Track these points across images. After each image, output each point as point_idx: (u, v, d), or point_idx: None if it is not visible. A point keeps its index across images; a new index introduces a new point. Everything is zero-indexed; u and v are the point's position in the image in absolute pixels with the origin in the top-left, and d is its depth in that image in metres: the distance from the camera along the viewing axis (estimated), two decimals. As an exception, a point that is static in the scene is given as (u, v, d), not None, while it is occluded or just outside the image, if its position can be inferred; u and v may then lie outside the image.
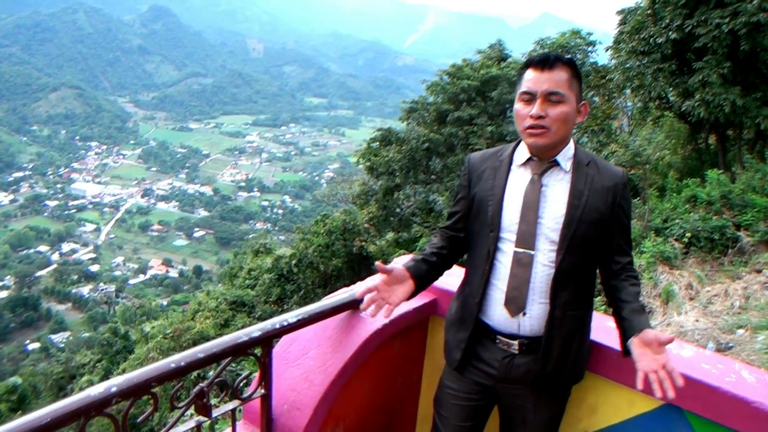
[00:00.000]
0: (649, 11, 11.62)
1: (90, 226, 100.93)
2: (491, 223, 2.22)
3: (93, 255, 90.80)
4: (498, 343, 2.26)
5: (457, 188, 2.42)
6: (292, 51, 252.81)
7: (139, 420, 1.93)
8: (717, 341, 6.21)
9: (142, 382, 1.73)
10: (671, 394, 1.94)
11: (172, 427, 1.88)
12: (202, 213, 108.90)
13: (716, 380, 2.09)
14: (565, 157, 2.20)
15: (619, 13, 13.08)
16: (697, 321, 6.97)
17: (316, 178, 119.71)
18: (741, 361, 2.34)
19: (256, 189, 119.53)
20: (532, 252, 2.17)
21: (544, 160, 2.21)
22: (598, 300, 8.93)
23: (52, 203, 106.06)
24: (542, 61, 2.14)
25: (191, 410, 1.99)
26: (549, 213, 2.17)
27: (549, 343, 2.19)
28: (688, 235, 8.71)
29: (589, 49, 18.26)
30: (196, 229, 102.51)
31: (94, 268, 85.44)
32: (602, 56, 16.92)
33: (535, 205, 2.17)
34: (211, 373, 1.99)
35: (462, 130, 19.51)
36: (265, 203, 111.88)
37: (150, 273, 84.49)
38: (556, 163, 2.20)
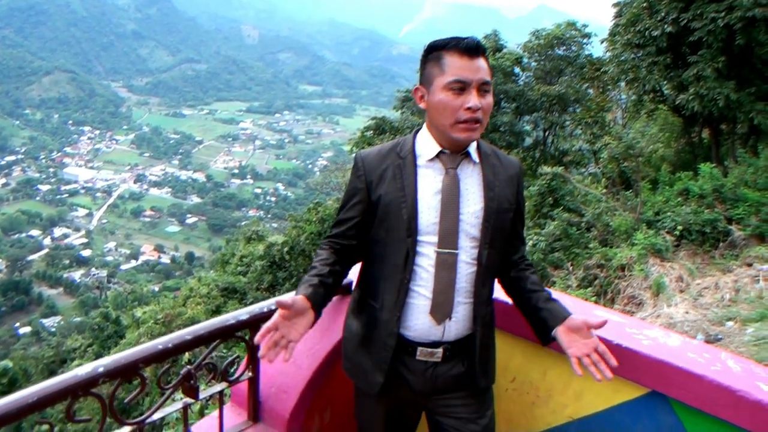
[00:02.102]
0: (644, 4, 11.64)
1: (82, 211, 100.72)
2: (408, 227, 2.01)
3: (85, 240, 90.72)
4: (417, 356, 2.07)
5: (348, 192, 2.16)
6: (287, 38, 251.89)
7: (126, 400, 1.93)
8: (706, 333, 6.23)
9: (129, 363, 1.74)
10: (609, 374, 1.94)
11: (159, 407, 1.89)
12: (195, 199, 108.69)
13: (702, 369, 2.10)
14: (473, 147, 2.08)
15: (615, 5, 13.11)
16: (687, 313, 7.00)
17: (310, 166, 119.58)
18: (728, 351, 2.35)
19: (249, 176, 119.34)
20: (456, 251, 2.01)
21: (457, 152, 2.05)
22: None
23: (44, 187, 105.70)
24: (472, 48, 1.94)
25: (180, 394, 1.99)
26: (467, 208, 2.03)
27: (474, 342, 2.09)
28: (680, 228, 8.77)
29: (585, 41, 18.35)
30: (189, 215, 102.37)
31: (86, 253, 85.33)
32: (597, 48, 16.95)
33: (456, 201, 2.01)
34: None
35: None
36: (258, 191, 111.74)
37: (142, 259, 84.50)
38: (467, 155, 2.06)
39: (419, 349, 2.06)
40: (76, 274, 76.51)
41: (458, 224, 2.01)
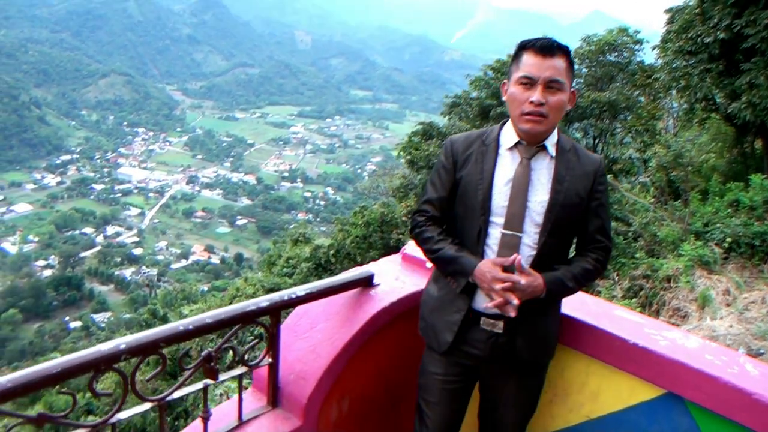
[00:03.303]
0: (697, 10, 11.40)
1: (135, 211, 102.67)
2: (482, 206, 2.23)
3: (137, 238, 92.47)
4: (483, 324, 2.27)
5: (437, 172, 2.39)
6: (339, 43, 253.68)
7: (147, 378, 2.02)
8: (748, 347, 6.12)
9: (150, 342, 1.82)
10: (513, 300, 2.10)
11: (180, 386, 1.97)
12: (245, 201, 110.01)
13: (718, 371, 2.10)
14: (551, 142, 2.24)
15: (667, 11, 12.86)
16: (730, 326, 6.87)
17: (359, 170, 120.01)
18: (747, 355, 2.33)
19: (299, 180, 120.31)
20: (520, 234, 2.20)
21: (532, 144, 2.23)
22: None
23: (98, 186, 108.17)
24: (545, 48, 2.13)
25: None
26: (535, 197, 2.21)
27: (527, 321, 2.22)
28: (729, 240, 8.56)
29: (636, 47, 18.00)
30: (239, 217, 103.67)
31: (138, 251, 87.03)
32: (649, 55, 16.67)
33: (525, 189, 2.20)
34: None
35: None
36: (308, 194, 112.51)
37: (192, 258, 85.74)
38: (544, 148, 2.24)
39: (482, 318, 2.27)
40: (127, 272, 78.13)
41: (525, 210, 2.20)
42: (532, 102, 2.12)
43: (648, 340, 2.24)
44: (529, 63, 2.14)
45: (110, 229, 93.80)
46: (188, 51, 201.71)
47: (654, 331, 2.32)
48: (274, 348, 2.23)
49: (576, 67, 19.93)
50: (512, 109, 2.20)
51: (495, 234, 2.23)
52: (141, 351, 1.81)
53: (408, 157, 20.38)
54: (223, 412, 2.27)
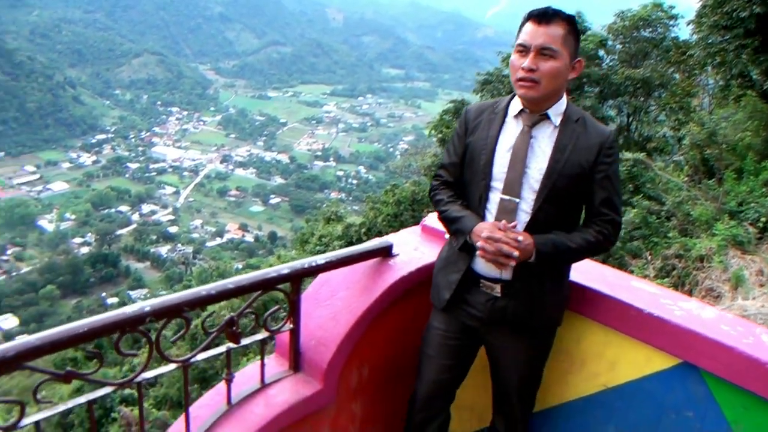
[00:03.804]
0: (733, -17, 11.15)
1: (170, 189, 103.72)
2: (483, 171, 2.31)
3: (172, 217, 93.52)
4: (482, 287, 2.36)
5: (452, 139, 2.51)
6: (371, 21, 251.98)
7: (172, 339, 2.10)
8: (779, 325, 6.05)
9: (173, 305, 1.90)
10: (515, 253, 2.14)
11: (203, 349, 2.05)
12: (279, 180, 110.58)
13: (733, 341, 2.11)
14: (556, 111, 2.28)
15: (703, -15, 12.58)
16: (762, 306, 6.81)
17: (391, 149, 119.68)
18: (764, 326, 2.34)
19: (331, 158, 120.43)
20: (517, 200, 2.26)
21: (535, 112, 2.28)
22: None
23: (133, 165, 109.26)
24: (540, 15, 2.19)
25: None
26: (535, 164, 2.26)
27: (523, 286, 2.30)
28: (764, 219, 8.45)
29: (671, 22, 17.66)
30: (272, 195, 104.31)
31: (173, 229, 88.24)
32: (684, 30, 16.32)
33: (523, 155, 2.26)
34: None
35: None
36: (340, 173, 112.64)
37: (227, 237, 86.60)
38: (547, 117, 2.28)
39: (482, 281, 2.37)
40: (163, 250, 79.34)
41: (523, 177, 2.26)
42: (523, 68, 2.18)
43: (664, 310, 2.26)
44: (526, 31, 2.21)
45: (146, 208, 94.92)
46: (220, 29, 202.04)
47: (670, 301, 2.34)
48: (294, 314, 2.30)
49: (609, 43, 19.77)
50: (511, 76, 2.27)
51: (495, 199, 2.30)
52: (165, 314, 1.89)
53: (439, 135, 20.34)
54: (247, 376, 2.35)
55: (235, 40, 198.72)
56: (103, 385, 1.88)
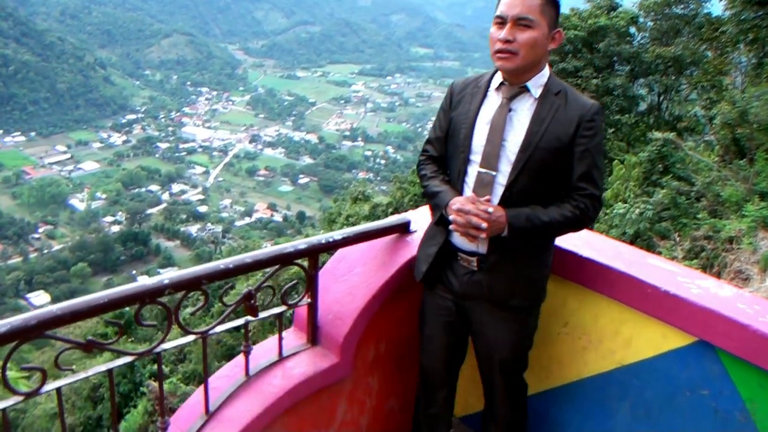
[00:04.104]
0: (768, -43, 10.90)
1: (199, 169, 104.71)
2: (463, 144, 2.31)
3: (201, 196, 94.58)
4: (460, 260, 2.36)
5: (438, 113, 2.49)
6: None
7: (191, 312, 2.15)
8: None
9: (192, 278, 1.95)
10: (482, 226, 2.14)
11: (221, 322, 2.10)
12: (307, 160, 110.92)
13: (749, 319, 2.10)
14: (536, 84, 2.25)
15: (737, -41, 12.31)
16: (790, 288, 6.72)
17: (419, 129, 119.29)
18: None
19: (360, 138, 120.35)
20: (494, 173, 2.24)
21: (514, 84, 2.26)
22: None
23: (163, 145, 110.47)
24: None
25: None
26: (512, 137, 2.23)
27: (499, 260, 2.29)
28: (795, 201, 8.32)
29: (704, -2, 17.31)
30: (301, 175, 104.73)
31: (203, 208, 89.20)
32: (716, 6, 16.00)
33: (501, 128, 2.24)
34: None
35: (566, 82, 18.99)
36: (368, 153, 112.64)
37: (255, 216, 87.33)
38: (526, 89, 2.24)
39: (459, 254, 2.36)
40: (193, 229, 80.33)
41: (501, 150, 2.24)
42: (500, 39, 2.16)
43: (680, 288, 2.25)
44: (502, 2, 2.19)
45: (175, 187, 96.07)
46: (249, 9, 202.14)
47: (687, 279, 2.32)
48: (312, 289, 2.34)
49: (641, 20, 19.45)
50: (490, 49, 2.24)
51: (472, 172, 2.29)
52: (184, 286, 1.94)
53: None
54: (265, 348, 2.40)
55: (263, 20, 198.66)
56: (123, 354, 1.94)
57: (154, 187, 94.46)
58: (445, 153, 2.44)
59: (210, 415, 2.14)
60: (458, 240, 2.33)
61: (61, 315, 1.72)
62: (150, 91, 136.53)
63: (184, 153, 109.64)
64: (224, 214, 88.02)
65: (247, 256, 2.09)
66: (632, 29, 19.48)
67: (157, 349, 1.98)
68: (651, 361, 2.39)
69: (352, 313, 2.39)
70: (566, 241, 2.53)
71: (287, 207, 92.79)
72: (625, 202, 12.05)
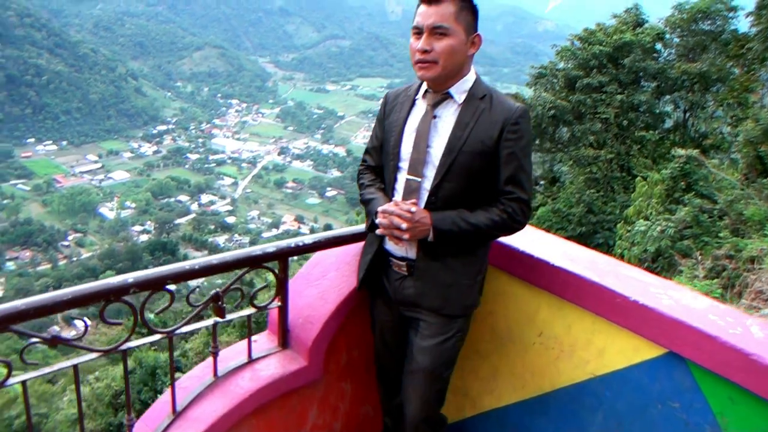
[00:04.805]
0: (794, -26, 10.77)
1: (228, 180, 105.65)
2: (392, 152, 2.33)
3: (230, 207, 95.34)
4: (392, 266, 2.38)
5: (374, 124, 2.52)
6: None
7: (157, 311, 2.17)
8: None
9: (157, 278, 1.98)
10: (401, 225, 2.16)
11: (188, 322, 2.13)
12: (335, 173, 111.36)
13: (719, 331, 2.07)
14: (460, 89, 2.26)
15: (763, -24, 12.20)
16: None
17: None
18: (760, 317, 2.29)
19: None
20: (419, 179, 2.26)
21: (438, 92, 2.27)
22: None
23: (193, 156, 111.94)
24: None
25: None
26: (437, 143, 2.24)
27: (426, 266, 2.30)
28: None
29: (730, 14, 17.15)
30: (329, 188, 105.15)
31: (231, 219, 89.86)
32: (744, 23, 15.84)
33: (426, 135, 2.25)
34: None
35: (590, 98, 18.95)
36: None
37: (283, 228, 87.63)
38: (450, 96, 2.26)
39: (391, 260, 2.38)
40: (221, 239, 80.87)
41: (426, 156, 2.25)
42: (418, 50, 2.17)
43: (650, 298, 2.22)
44: (418, 13, 2.19)
45: (204, 198, 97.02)
46: (280, 23, 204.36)
47: (660, 290, 2.30)
48: (282, 292, 2.37)
49: (667, 36, 19.30)
50: (411, 60, 2.25)
51: (402, 179, 2.31)
52: (149, 286, 1.98)
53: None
54: (236, 351, 2.43)
55: (294, 34, 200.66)
56: (88, 351, 1.97)
57: (183, 198, 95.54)
58: (380, 162, 2.46)
59: (177, 414, 2.18)
60: (390, 245, 2.36)
61: (26, 310, 1.77)
62: (181, 102, 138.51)
63: (214, 164, 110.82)
64: (252, 226, 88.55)
65: (213, 258, 2.12)
66: (658, 45, 19.36)
67: (123, 347, 2.01)
68: (623, 372, 2.37)
69: (321, 317, 2.41)
70: (540, 250, 2.52)
71: (314, 219, 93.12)
72: (647, 220, 11.94)
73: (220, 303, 2.14)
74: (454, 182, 2.22)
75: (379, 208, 2.23)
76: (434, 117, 2.27)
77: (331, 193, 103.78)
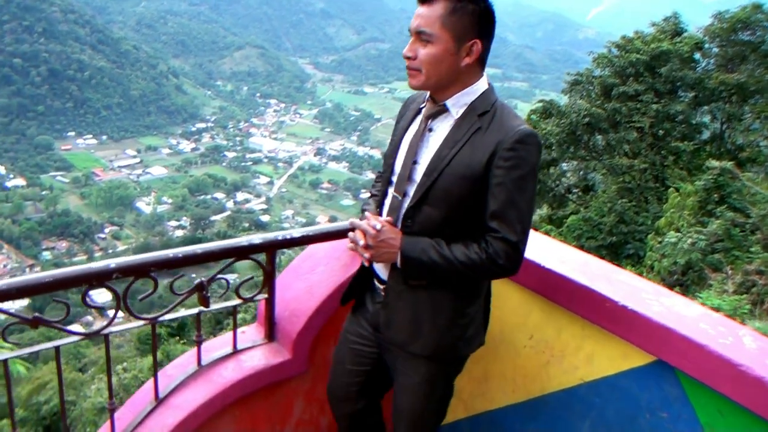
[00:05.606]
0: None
1: (264, 179, 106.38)
2: (388, 164, 2.13)
3: (265, 206, 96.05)
4: (375, 288, 2.19)
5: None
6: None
7: (140, 298, 2.18)
8: None
9: (140, 264, 2.00)
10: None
11: (171, 310, 2.15)
12: (370, 175, 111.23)
13: (707, 340, 2.02)
14: (458, 102, 1.98)
15: (805, -14, 11.93)
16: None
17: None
18: (753, 329, 2.22)
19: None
20: (401, 197, 2.04)
21: (437, 102, 2.02)
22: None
23: (230, 154, 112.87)
24: None
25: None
26: (424, 159, 1.99)
27: (395, 294, 2.08)
28: None
29: (771, 25, 16.80)
30: (363, 190, 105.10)
31: (265, 218, 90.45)
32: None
33: (415, 149, 2.02)
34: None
35: (626, 107, 18.69)
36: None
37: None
38: (445, 108, 2.00)
39: (374, 282, 2.18)
40: (255, 238, 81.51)
41: (412, 172, 2.01)
42: (403, 55, 1.96)
43: (640, 304, 2.17)
44: (414, 13, 1.96)
45: (240, 196, 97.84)
46: (321, 25, 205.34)
47: (651, 296, 2.25)
48: (269, 284, 2.37)
49: (706, 46, 18.95)
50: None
51: (390, 194, 2.09)
52: (132, 272, 1.99)
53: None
54: (222, 341, 2.44)
55: (334, 36, 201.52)
56: (70, 334, 2.00)
57: (219, 195, 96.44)
58: None
59: (159, 401, 2.20)
60: (376, 265, 2.13)
61: (7, 290, 1.80)
62: (220, 101, 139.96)
63: (250, 163, 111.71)
64: (286, 225, 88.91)
65: (197, 247, 2.14)
66: (697, 55, 19.04)
67: (105, 331, 2.03)
68: (612, 379, 2.33)
69: (307, 311, 2.41)
70: (533, 253, 2.48)
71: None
72: (678, 231, 11.75)
73: (204, 293, 2.15)
74: (434, 207, 1.95)
75: (350, 219, 2.06)
76: (429, 130, 2.03)
77: (365, 195, 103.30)
